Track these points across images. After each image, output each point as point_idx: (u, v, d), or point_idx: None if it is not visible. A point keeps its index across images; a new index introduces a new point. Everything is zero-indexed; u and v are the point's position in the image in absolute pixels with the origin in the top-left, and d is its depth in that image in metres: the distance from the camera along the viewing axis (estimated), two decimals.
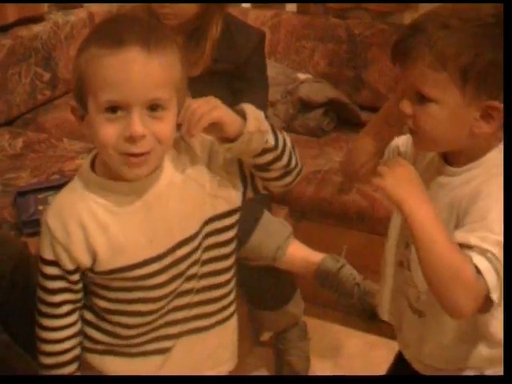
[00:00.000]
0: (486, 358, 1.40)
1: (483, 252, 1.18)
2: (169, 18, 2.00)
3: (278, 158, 1.28)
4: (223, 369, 1.48)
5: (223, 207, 1.34)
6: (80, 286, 1.31)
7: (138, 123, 1.15)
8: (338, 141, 2.93)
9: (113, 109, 1.15)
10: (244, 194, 1.36)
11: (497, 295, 1.20)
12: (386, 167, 1.28)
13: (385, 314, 1.57)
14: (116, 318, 1.33)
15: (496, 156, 1.29)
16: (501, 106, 1.21)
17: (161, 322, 1.35)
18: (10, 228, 2.14)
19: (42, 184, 2.33)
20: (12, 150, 2.75)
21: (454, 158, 1.33)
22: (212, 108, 1.21)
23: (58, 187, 2.23)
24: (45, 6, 3.12)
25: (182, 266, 1.31)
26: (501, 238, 1.19)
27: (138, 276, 1.28)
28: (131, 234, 1.27)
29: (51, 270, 1.28)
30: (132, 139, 1.15)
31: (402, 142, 1.47)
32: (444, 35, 1.19)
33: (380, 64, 3.08)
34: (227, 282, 1.41)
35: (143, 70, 1.14)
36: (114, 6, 3.44)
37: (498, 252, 1.18)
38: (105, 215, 1.25)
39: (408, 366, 1.51)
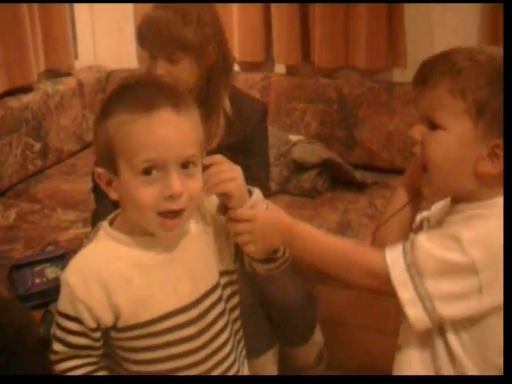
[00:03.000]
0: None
1: (413, 279, 1.20)
2: None
3: None
4: None
5: (222, 266, 1.38)
6: (101, 343, 1.30)
7: (177, 182, 1.19)
8: (333, 201, 2.91)
9: (149, 170, 1.19)
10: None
11: (422, 324, 1.21)
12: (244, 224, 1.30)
13: None
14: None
15: (501, 202, 1.25)
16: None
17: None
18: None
19: (37, 256, 2.30)
20: (5, 222, 2.72)
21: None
22: (231, 179, 1.28)
23: (54, 259, 2.22)
24: (34, 76, 3.12)
25: (209, 318, 1.32)
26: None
27: (164, 329, 1.27)
28: (156, 286, 1.28)
29: (74, 327, 1.27)
30: (172, 198, 1.19)
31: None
32: (469, 66, 1.22)
33: (371, 122, 3.10)
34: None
35: (176, 130, 1.20)
36: (103, 75, 3.50)
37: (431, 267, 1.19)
38: (128, 269, 1.26)
39: None
